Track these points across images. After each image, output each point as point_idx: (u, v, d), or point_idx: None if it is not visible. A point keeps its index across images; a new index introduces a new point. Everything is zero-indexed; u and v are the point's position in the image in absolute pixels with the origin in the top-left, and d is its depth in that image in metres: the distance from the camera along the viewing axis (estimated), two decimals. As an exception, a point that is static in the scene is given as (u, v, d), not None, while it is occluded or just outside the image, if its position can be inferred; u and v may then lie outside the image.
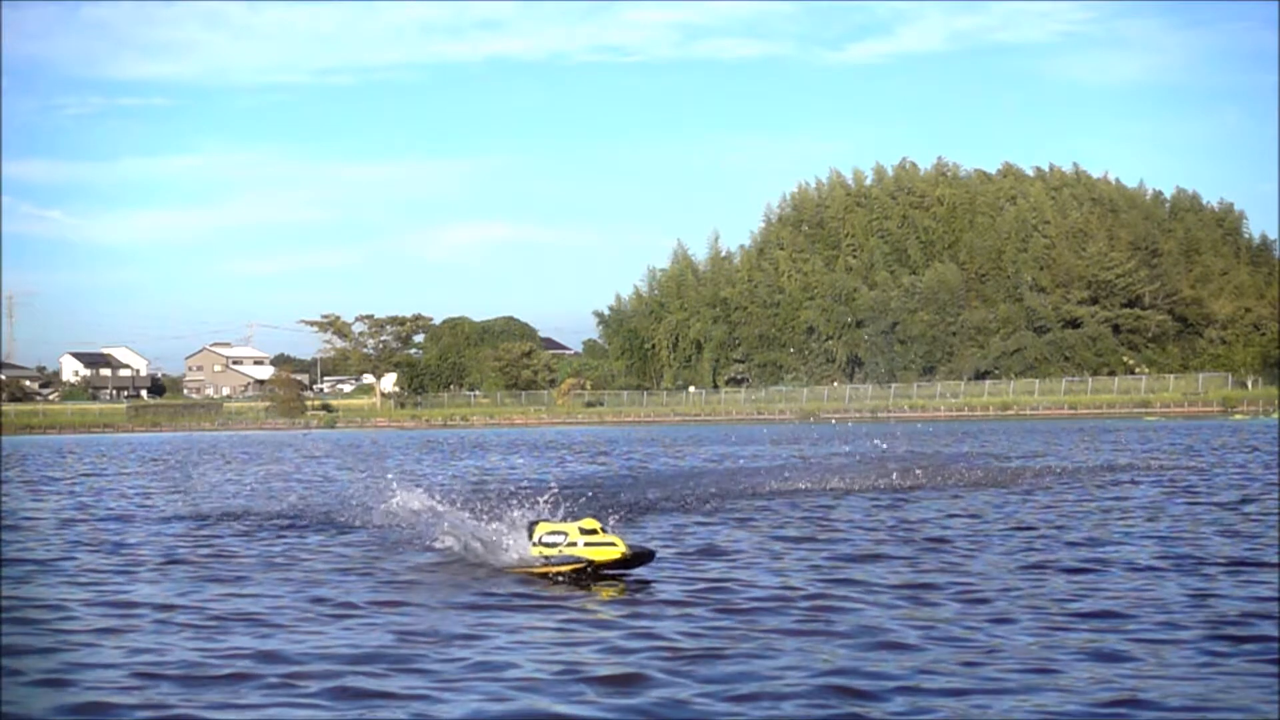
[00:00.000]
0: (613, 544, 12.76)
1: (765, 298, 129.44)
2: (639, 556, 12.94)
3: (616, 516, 15.67)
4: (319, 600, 12.04)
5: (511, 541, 13.86)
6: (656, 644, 9.80)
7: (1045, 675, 8.56)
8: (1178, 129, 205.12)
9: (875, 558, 14.12)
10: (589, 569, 12.67)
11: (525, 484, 24.50)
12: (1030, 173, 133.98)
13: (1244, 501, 19.98)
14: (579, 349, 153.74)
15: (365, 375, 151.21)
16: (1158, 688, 8.20)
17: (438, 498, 16.91)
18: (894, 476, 24.39)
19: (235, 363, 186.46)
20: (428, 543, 15.19)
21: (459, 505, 16.22)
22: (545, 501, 15.50)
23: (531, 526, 13.66)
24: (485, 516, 14.90)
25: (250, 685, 8.77)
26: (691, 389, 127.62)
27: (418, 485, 18.47)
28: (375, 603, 11.85)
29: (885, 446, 34.72)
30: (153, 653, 9.82)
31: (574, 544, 12.86)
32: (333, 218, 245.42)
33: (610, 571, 12.73)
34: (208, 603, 12.06)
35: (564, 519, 13.97)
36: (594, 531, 12.93)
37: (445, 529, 15.07)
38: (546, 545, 13.08)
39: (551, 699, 8.36)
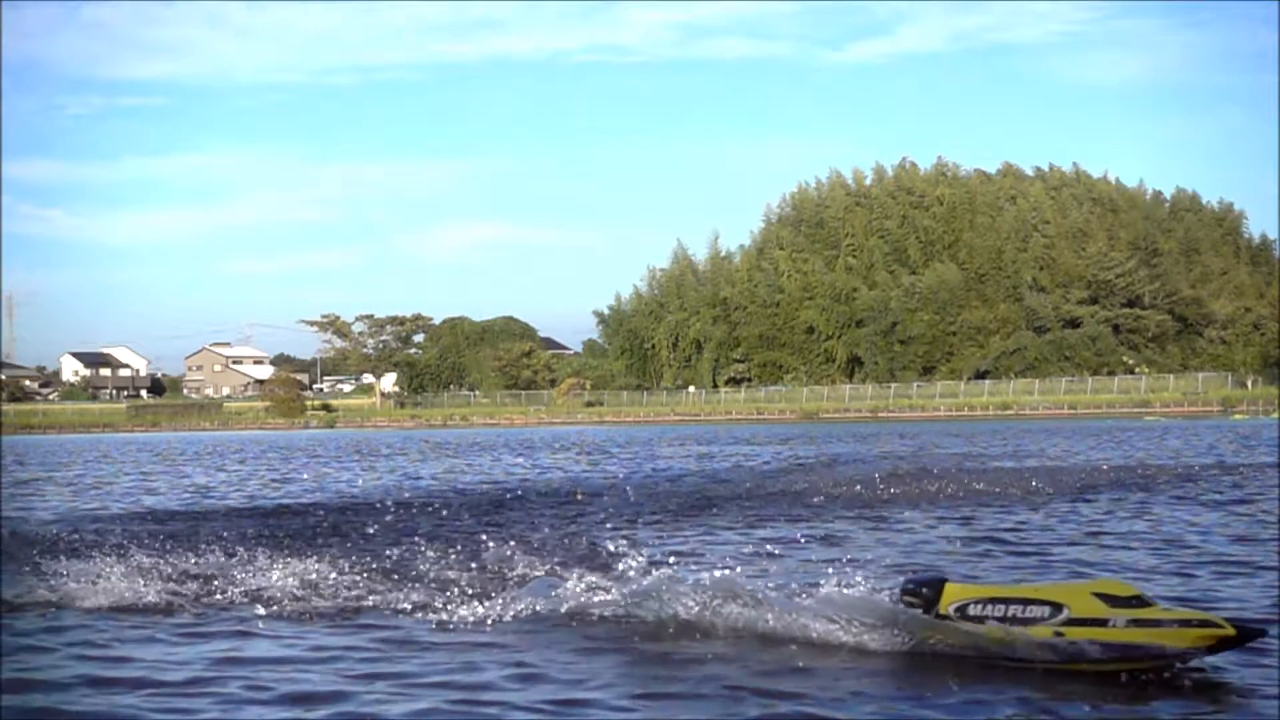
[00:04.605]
0: (1208, 622, 7.64)
1: (765, 298, 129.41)
2: (1244, 636, 7.70)
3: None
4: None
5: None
6: None
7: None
8: (1178, 129, 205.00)
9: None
10: (1159, 661, 7.60)
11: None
12: (1030, 173, 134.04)
13: (1242, 502, 20.00)
14: (579, 349, 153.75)
15: (365, 375, 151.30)
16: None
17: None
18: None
19: (235, 362, 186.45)
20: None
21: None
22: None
23: (922, 590, 8.48)
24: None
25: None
26: (691, 389, 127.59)
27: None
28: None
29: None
30: None
31: (1097, 622, 7.71)
32: (333, 218, 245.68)
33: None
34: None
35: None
36: (1137, 600, 7.82)
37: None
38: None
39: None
